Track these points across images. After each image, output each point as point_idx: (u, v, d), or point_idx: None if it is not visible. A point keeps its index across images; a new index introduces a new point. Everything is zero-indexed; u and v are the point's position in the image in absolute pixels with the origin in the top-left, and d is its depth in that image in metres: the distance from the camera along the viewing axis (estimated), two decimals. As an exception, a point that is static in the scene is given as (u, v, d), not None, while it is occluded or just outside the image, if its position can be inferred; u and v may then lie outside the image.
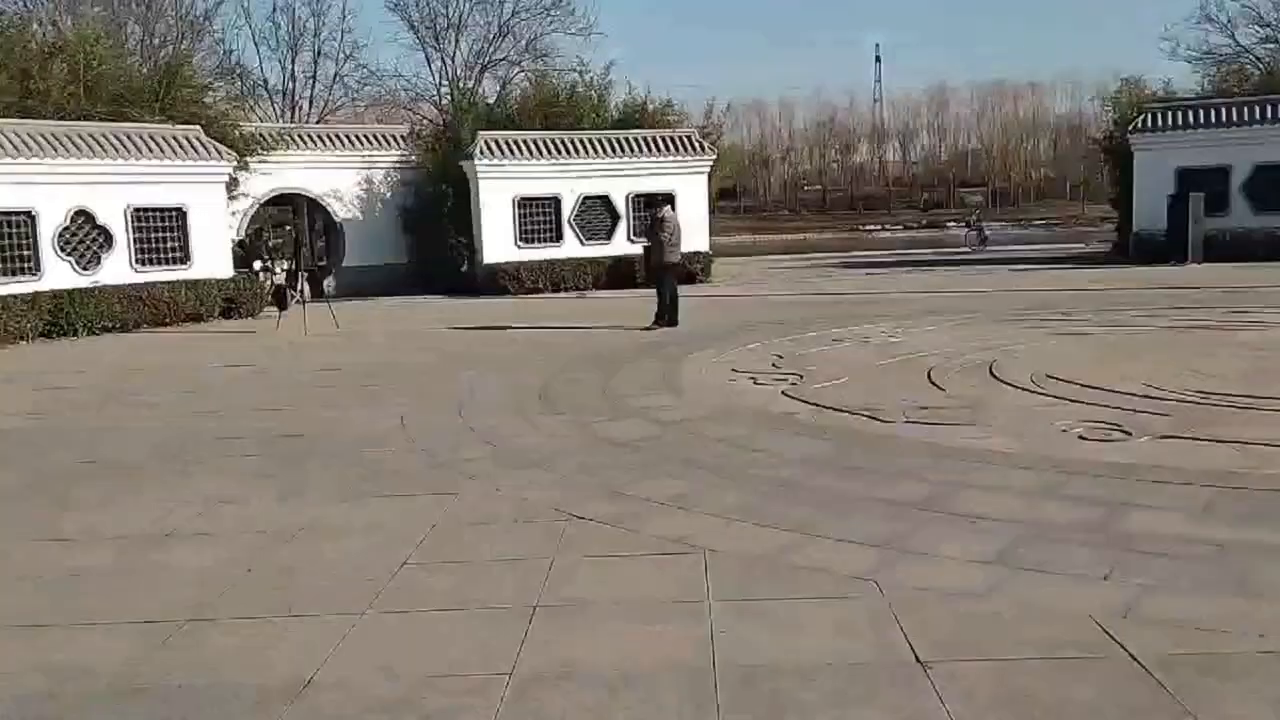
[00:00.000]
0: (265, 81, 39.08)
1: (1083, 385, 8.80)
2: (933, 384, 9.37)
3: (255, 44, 38.96)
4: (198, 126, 19.12)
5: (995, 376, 9.60)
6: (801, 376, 9.89)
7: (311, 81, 39.84)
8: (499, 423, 8.40)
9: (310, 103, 39.65)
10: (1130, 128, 24.68)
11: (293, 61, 39.54)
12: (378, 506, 6.08)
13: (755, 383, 9.85)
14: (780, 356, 11.34)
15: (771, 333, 13.49)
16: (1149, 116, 24.60)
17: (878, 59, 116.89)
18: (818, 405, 8.52)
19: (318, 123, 32.62)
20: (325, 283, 21.64)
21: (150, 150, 18.15)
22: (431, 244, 23.97)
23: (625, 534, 5.29)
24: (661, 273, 15.39)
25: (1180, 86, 29.52)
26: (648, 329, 14.77)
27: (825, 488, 6.01)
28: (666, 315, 15.12)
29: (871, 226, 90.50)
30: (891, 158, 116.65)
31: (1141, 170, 24.60)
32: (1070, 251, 31.70)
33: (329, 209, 24.01)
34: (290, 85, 39.69)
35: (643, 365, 11.23)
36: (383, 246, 23.96)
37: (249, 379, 11.68)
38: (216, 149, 19.06)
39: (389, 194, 24.51)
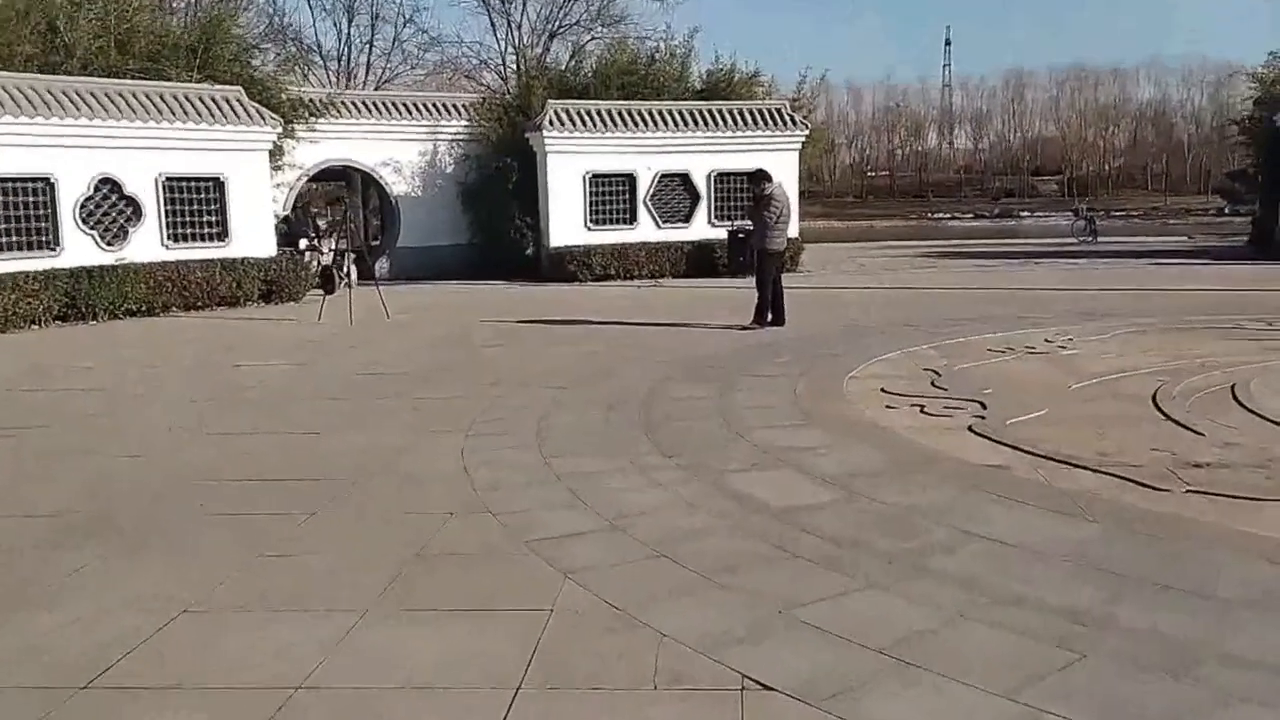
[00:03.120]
0: (319, 46, 37.09)
1: (1401, 435, 6.37)
2: (1171, 420, 6.99)
3: (309, 5, 36.81)
4: (239, 88, 17.10)
5: (1251, 410, 7.18)
6: (984, 405, 7.53)
7: (369, 47, 37.77)
8: (595, 468, 6.16)
9: (367, 69, 37.60)
10: (1281, 106, 21.78)
11: (349, 25, 37.46)
12: (433, 632, 3.88)
13: (923, 411, 7.52)
14: (936, 373, 8.97)
15: (906, 338, 11.12)
16: (1304, 94, 21.68)
17: (948, 42, 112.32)
18: (1032, 454, 6.17)
19: (375, 90, 30.53)
20: (377, 265, 19.62)
21: (186, 113, 16.18)
22: (494, 224, 21.88)
23: (855, 732, 3.04)
24: (763, 261, 13.03)
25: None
26: (747, 328, 12.51)
27: (1152, 633, 3.65)
28: (771, 312, 12.81)
29: (941, 215, 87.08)
30: (962, 144, 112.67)
31: (1294, 154, 21.71)
32: (1195, 245, 28.74)
33: (383, 184, 21.94)
34: (346, 51, 37.65)
35: (762, 380, 8.93)
36: (441, 226, 21.81)
37: (282, 384, 9.62)
38: (260, 113, 17.03)
39: (450, 169, 22.34)
